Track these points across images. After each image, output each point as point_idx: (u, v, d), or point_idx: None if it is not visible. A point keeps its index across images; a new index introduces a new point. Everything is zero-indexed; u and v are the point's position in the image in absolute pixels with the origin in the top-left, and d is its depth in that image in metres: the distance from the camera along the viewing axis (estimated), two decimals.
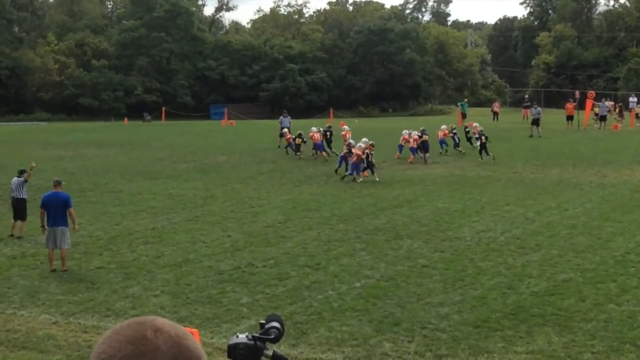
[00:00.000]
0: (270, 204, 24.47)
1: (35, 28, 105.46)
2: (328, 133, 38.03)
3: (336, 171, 30.78)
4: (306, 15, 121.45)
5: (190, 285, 14.95)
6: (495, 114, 66.33)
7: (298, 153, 36.53)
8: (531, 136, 45.57)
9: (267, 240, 18.98)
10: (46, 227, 16.36)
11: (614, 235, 18.98)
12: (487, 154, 34.44)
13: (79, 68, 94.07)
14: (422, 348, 11.26)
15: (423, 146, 34.92)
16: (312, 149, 36.92)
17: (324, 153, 36.33)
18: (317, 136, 36.77)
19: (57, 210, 16.34)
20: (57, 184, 17.01)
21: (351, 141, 31.26)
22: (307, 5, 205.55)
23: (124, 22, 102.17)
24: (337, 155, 33.16)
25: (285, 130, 40.19)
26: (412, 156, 34.52)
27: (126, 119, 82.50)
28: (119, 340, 1.59)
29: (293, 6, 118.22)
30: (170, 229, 20.55)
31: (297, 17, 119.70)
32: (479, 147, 35.40)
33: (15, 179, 20.65)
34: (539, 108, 50.13)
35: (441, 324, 12.25)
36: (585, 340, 11.48)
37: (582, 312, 12.81)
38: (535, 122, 47.06)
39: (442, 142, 37.76)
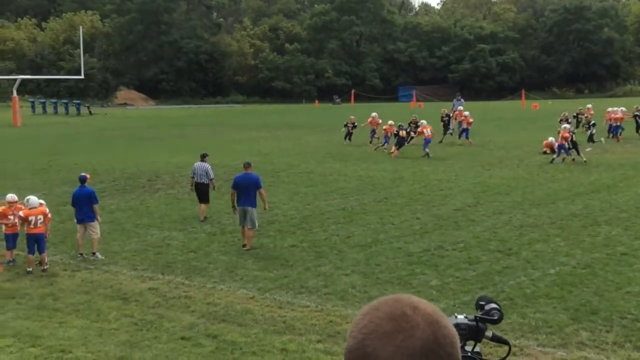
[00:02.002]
0: (459, 187, 24.20)
1: (232, 13, 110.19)
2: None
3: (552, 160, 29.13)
4: None
5: (380, 265, 15.07)
6: None
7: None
8: None
9: (456, 224, 18.78)
10: (236, 207, 17.01)
11: None
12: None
13: (273, 52, 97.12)
14: (621, 339, 10.76)
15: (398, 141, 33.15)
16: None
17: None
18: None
19: (247, 190, 16.88)
20: (247, 165, 17.51)
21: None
22: None
23: (315, 6, 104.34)
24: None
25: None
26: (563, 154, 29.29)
27: (317, 101, 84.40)
28: (379, 316, 1.63)
29: None
30: (360, 210, 20.81)
31: None
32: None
33: (198, 163, 20.59)
34: None
35: None
36: None
37: None
38: None
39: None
